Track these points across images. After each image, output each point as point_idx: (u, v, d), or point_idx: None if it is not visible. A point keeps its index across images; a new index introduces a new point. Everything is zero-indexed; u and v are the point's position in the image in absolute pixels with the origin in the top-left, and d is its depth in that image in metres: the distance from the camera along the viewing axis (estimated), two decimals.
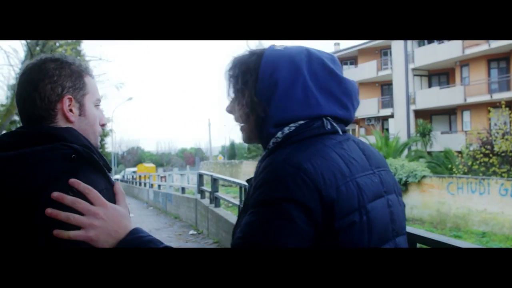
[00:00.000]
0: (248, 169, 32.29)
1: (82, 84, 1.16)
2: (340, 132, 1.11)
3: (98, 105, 1.22)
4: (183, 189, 14.50)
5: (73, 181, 1.00)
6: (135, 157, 61.68)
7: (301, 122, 1.07)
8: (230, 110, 1.18)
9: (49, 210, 0.95)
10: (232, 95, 1.16)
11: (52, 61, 1.14)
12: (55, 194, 0.97)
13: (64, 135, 1.07)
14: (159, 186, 18.95)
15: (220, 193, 9.43)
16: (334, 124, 1.10)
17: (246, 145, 43.32)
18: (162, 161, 59.94)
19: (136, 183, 26.33)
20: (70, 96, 1.13)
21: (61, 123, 1.12)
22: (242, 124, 1.17)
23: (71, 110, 1.13)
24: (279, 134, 1.08)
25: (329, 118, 1.09)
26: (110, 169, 1.15)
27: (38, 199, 0.96)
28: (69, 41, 15.05)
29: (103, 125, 1.24)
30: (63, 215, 0.97)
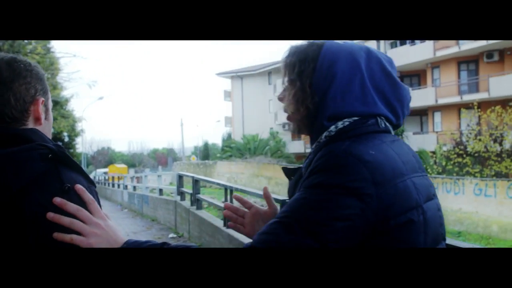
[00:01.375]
0: (222, 169, 32.09)
1: (46, 87, 1.17)
2: (392, 132, 1.10)
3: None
4: (160, 190, 14.18)
5: (79, 188, 1.03)
6: (106, 157, 60.39)
7: (355, 118, 1.05)
8: (281, 98, 1.16)
9: (51, 215, 0.96)
10: (286, 83, 1.14)
11: (20, 61, 1.11)
12: (58, 200, 0.97)
13: (31, 137, 1.06)
14: (134, 187, 18.52)
15: (202, 195, 9.24)
16: (387, 124, 1.09)
17: (219, 145, 43.14)
18: (134, 161, 58.90)
19: (108, 184, 25.77)
20: (43, 99, 1.13)
21: (31, 125, 1.11)
22: (291, 114, 1.14)
23: (41, 113, 1.13)
24: (332, 128, 1.06)
25: (382, 117, 1.08)
26: None
27: (22, 199, 0.95)
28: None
29: None
30: (65, 220, 0.98)
